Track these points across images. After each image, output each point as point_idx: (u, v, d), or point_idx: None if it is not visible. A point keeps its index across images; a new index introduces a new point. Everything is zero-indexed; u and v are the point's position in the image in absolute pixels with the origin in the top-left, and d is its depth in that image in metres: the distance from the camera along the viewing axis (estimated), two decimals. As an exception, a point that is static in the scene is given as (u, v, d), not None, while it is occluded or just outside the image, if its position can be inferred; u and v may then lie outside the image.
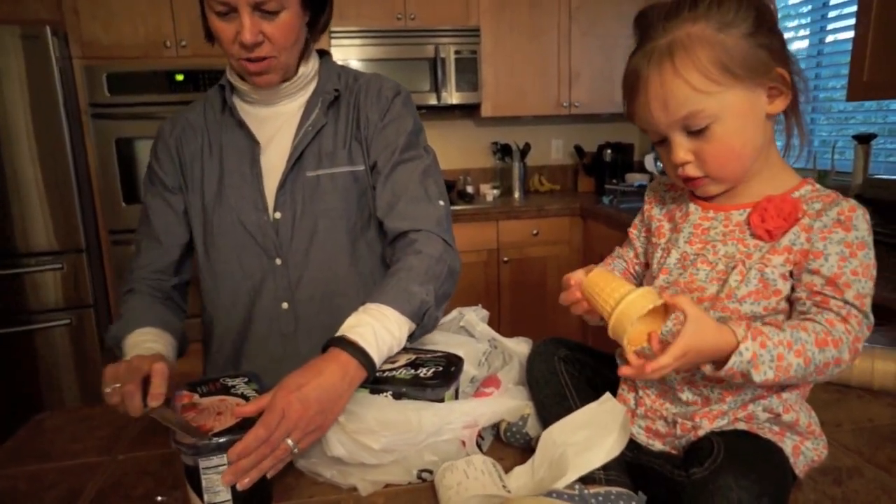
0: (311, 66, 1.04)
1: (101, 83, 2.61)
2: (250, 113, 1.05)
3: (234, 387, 0.79)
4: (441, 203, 1.00)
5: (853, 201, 0.65)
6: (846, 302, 0.62)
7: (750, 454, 0.61)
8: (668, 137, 0.68)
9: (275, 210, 1.02)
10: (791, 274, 0.66)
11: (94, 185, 2.71)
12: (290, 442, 0.68)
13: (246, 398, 0.75)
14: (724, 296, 0.67)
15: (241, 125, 1.03)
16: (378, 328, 0.79)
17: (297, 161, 1.01)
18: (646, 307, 0.61)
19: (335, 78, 1.06)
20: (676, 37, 0.64)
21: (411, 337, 0.86)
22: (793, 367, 0.60)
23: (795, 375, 0.61)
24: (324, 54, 1.09)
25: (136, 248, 1.08)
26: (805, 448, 0.67)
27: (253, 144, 1.03)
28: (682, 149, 0.68)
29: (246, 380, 0.81)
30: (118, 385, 0.73)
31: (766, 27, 0.64)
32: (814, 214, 0.65)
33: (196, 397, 0.76)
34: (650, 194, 0.82)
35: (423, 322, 0.86)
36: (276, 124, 1.04)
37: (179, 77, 2.66)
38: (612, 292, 0.64)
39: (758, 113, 0.66)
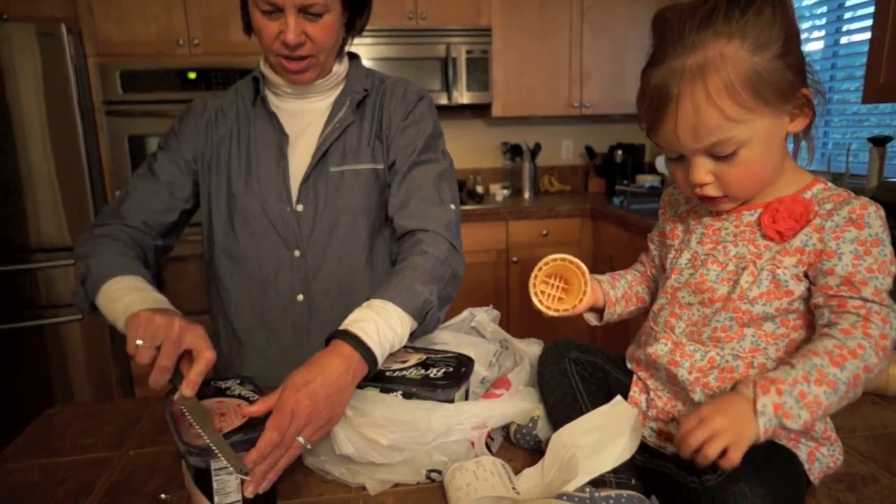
0: (343, 66, 1.07)
1: (115, 81, 2.63)
2: (280, 106, 1.07)
3: (228, 388, 0.79)
4: (452, 207, 1.01)
5: (865, 199, 0.64)
6: (865, 300, 0.61)
7: (764, 461, 0.60)
8: (688, 157, 0.66)
9: (297, 202, 1.03)
10: (806, 275, 0.65)
11: (107, 182, 2.73)
12: (301, 440, 0.68)
13: (245, 399, 0.75)
14: (737, 297, 0.67)
15: (272, 117, 1.05)
16: (381, 323, 0.78)
17: (322, 156, 1.03)
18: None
19: (363, 79, 1.09)
20: (709, 57, 0.60)
21: (412, 336, 0.85)
22: (822, 397, 0.58)
23: (832, 402, 0.58)
24: (353, 56, 1.11)
25: (123, 193, 1.02)
26: (820, 454, 0.67)
27: (281, 137, 1.05)
28: (703, 170, 0.66)
29: (239, 381, 0.81)
30: (151, 346, 0.68)
31: (794, 46, 0.63)
32: (825, 214, 0.64)
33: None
34: (665, 199, 0.82)
35: (426, 321, 0.86)
36: (305, 120, 1.06)
37: (192, 75, 2.68)
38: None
39: (781, 134, 0.65)
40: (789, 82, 0.62)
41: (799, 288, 0.65)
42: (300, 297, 1.05)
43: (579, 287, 0.78)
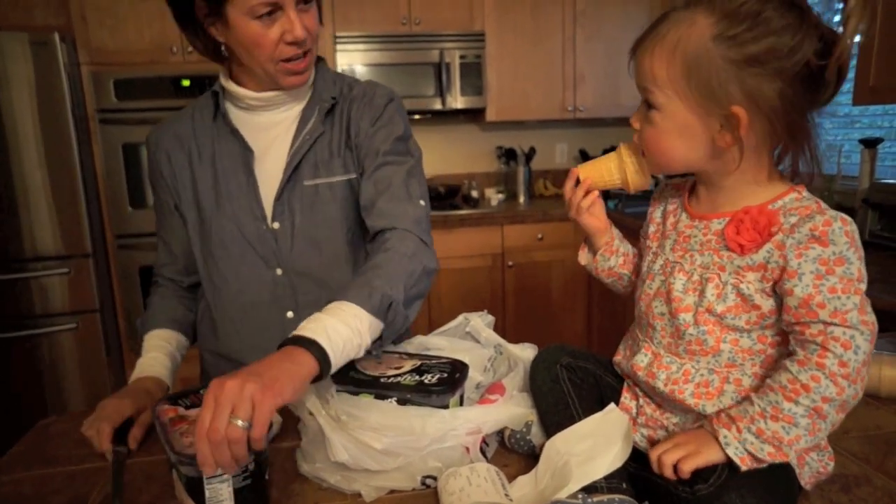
0: (311, 71, 1.03)
1: (109, 89, 2.63)
2: (244, 120, 1.03)
3: None
4: (422, 203, 0.99)
5: (832, 213, 0.60)
6: (825, 323, 0.58)
7: (755, 470, 0.60)
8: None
9: (273, 220, 1.01)
10: (775, 291, 0.63)
11: (101, 190, 2.73)
12: (239, 422, 0.62)
13: None
14: (704, 309, 0.66)
15: (234, 133, 1.02)
16: (329, 321, 0.75)
17: (294, 170, 1.00)
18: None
19: (331, 86, 1.05)
20: (687, 17, 0.62)
21: (383, 338, 0.82)
22: (781, 432, 0.59)
23: (798, 435, 0.59)
24: (319, 60, 1.08)
25: (158, 241, 1.15)
26: (810, 458, 0.67)
27: (247, 152, 1.02)
28: (638, 114, 0.69)
29: None
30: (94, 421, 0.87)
31: (771, 66, 0.59)
32: (787, 229, 0.61)
33: (181, 410, 0.76)
34: (655, 197, 0.82)
35: (389, 318, 0.82)
36: (272, 133, 1.03)
37: (186, 82, 2.68)
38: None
39: (703, 132, 0.64)
40: (723, 89, 0.60)
41: (767, 304, 0.63)
42: (290, 314, 1.03)
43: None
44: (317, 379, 0.72)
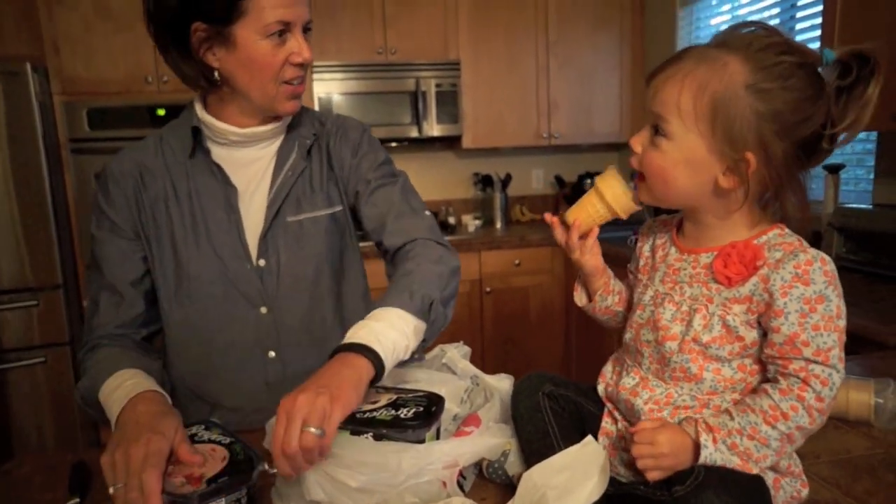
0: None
1: (82, 118, 2.61)
2: (223, 156, 1.00)
3: (196, 434, 0.78)
4: (427, 213, 1.02)
5: (812, 252, 0.64)
6: (807, 360, 0.62)
7: (731, 474, 0.63)
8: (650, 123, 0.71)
9: (258, 258, 1.00)
10: (759, 323, 0.67)
11: (73, 220, 2.68)
12: (313, 430, 0.66)
13: (217, 443, 0.75)
14: (691, 338, 0.68)
15: (216, 170, 0.99)
16: (378, 326, 0.77)
17: (279, 207, 1.00)
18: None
19: (305, 120, 1.06)
20: (720, 57, 0.64)
21: (425, 340, 0.85)
22: (752, 450, 0.63)
23: (766, 454, 0.63)
24: None
25: (91, 303, 1.00)
26: (785, 482, 0.69)
27: (228, 189, 1.00)
28: (642, 138, 0.70)
29: (204, 426, 0.80)
30: (120, 485, 0.68)
31: (787, 130, 0.63)
32: (773, 264, 0.64)
33: None
34: (643, 232, 0.84)
35: (432, 318, 0.85)
36: (252, 168, 1.02)
37: (161, 112, 2.67)
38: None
39: (707, 170, 0.67)
40: (741, 135, 0.64)
41: (750, 335, 0.67)
42: (272, 354, 1.02)
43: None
44: (373, 382, 0.75)
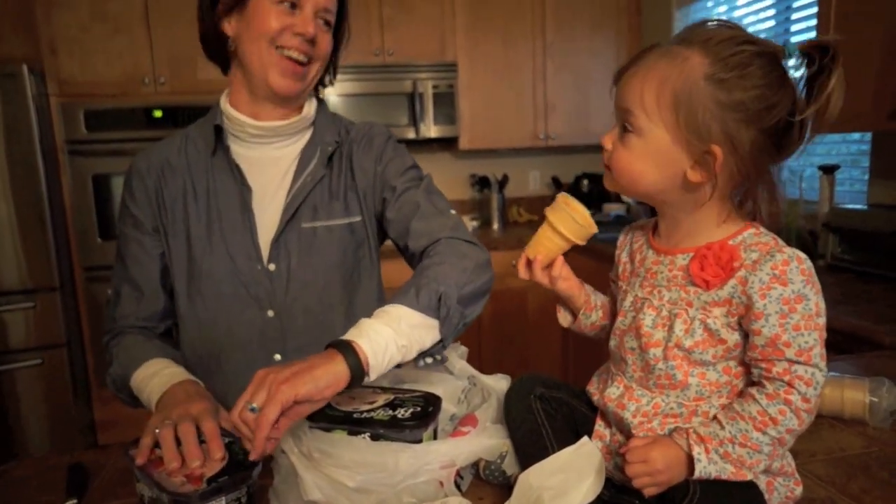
0: (312, 108, 1.05)
1: (79, 120, 2.61)
2: (243, 156, 1.02)
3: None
4: (452, 212, 1.01)
5: (788, 252, 0.63)
6: (790, 361, 0.62)
7: (725, 492, 0.62)
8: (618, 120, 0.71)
9: (269, 261, 1.00)
10: (740, 325, 0.66)
11: (70, 222, 2.68)
12: (252, 406, 0.66)
13: None
14: (673, 344, 0.68)
15: (234, 169, 1.00)
16: (372, 323, 0.76)
17: (294, 212, 1.00)
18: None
19: (332, 128, 1.06)
20: (681, 53, 0.65)
21: (442, 340, 0.83)
22: (745, 457, 0.63)
23: (759, 459, 0.63)
24: (321, 102, 1.09)
25: (114, 293, 1.03)
26: (778, 483, 0.68)
27: (245, 190, 1.00)
28: (612, 135, 0.71)
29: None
30: (169, 421, 0.76)
31: (751, 114, 0.63)
32: (750, 265, 0.64)
33: (157, 451, 0.75)
34: (621, 239, 0.84)
35: (443, 314, 0.82)
36: (270, 171, 1.02)
37: (158, 113, 2.67)
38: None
39: (675, 163, 0.66)
40: (706, 126, 0.64)
41: (732, 337, 0.66)
42: (277, 357, 1.01)
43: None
44: (359, 379, 0.73)
